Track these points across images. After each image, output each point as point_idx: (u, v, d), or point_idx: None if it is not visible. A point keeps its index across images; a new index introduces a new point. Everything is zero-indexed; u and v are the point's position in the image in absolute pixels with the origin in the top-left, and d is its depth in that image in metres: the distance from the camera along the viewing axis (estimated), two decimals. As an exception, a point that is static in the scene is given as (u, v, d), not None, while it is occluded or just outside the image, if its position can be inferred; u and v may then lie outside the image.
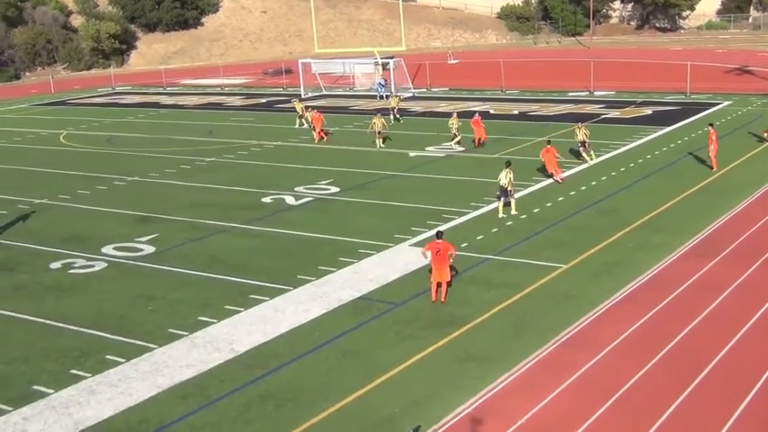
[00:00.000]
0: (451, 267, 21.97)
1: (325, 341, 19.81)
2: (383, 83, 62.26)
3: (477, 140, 40.93)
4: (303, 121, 48.98)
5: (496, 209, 29.13)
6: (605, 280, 22.57)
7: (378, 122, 42.46)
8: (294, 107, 50.96)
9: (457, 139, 41.09)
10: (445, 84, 66.52)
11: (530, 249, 25.40)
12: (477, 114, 42.72)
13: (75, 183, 37.90)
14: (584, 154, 36.35)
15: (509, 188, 28.91)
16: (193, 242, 28.13)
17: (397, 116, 49.08)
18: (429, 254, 21.67)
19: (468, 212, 29.57)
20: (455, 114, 42.08)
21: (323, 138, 44.61)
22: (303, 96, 63.69)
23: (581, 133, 36.25)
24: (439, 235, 21.95)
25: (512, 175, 29.04)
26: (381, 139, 42.57)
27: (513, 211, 29.03)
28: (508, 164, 29.40)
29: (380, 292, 22.55)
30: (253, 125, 50.86)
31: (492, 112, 51.88)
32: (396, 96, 52.73)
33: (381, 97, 60.92)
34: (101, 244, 28.18)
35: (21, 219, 32.31)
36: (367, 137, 44.59)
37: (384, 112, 47.91)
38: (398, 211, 30.40)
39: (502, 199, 29.02)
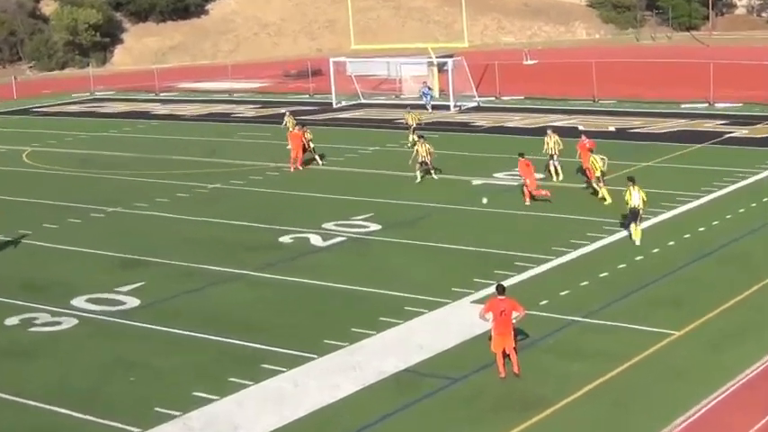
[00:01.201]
0: (517, 331, 21.71)
1: (358, 428, 19.58)
2: (427, 91, 62.01)
3: (590, 172, 36.79)
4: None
5: (628, 236, 30.31)
6: (731, 351, 22.12)
7: (422, 149, 40.54)
8: (286, 123, 49.47)
9: (555, 164, 39.69)
10: (519, 91, 66.46)
11: (630, 309, 25.01)
12: (583, 136, 39.12)
13: (40, 214, 38.15)
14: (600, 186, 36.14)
15: (640, 209, 29.99)
16: (189, 294, 28.08)
17: (415, 139, 45.99)
18: (491, 316, 21.41)
19: (550, 259, 29.28)
20: (550, 131, 40.34)
21: (298, 168, 44.11)
22: (336, 105, 63.90)
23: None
24: (500, 290, 21.65)
25: (643, 194, 30.00)
26: (426, 170, 40.95)
27: (636, 242, 30.02)
28: (632, 180, 30.32)
29: (433, 364, 22.27)
30: (269, 142, 51.00)
31: (581, 128, 51.45)
32: (411, 113, 51.44)
33: (431, 109, 60.80)
34: (70, 294, 28.20)
35: (-31, 260, 32.65)
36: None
37: (418, 129, 47.39)
38: (457, 257, 30.18)
39: (632, 224, 30.23)
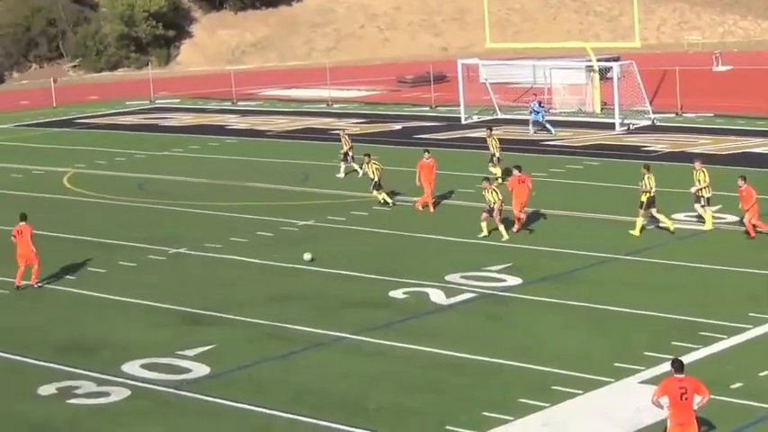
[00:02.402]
0: (699, 420, 21.48)
1: None
2: (537, 108, 61.42)
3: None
4: (354, 164, 50.52)
5: None
6: None
7: (492, 196, 39.21)
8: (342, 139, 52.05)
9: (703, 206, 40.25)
10: (707, 106, 65.89)
11: None
12: None
13: (85, 254, 38.96)
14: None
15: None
16: (272, 362, 28.40)
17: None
18: (666, 400, 21.25)
19: (747, 329, 29.00)
20: (698, 163, 40.73)
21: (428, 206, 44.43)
22: (465, 121, 64.06)
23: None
24: (679, 367, 21.46)
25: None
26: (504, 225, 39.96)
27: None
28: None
29: (589, 462, 22.21)
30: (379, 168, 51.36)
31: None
32: (493, 136, 50.26)
33: (547, 127, 60.96)
34: (121, 358, 28.71)
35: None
36: (567, 191, 44.54)
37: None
38: (622, 323, 30.06)
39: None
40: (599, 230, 39.75)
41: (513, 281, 34.15)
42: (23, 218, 36.13)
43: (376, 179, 44.16)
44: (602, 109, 64.86)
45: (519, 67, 74.10)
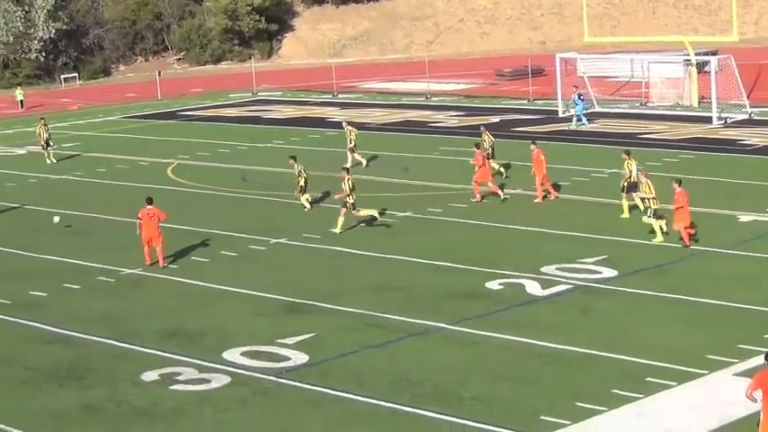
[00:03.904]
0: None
1: None
2: (577, 100, 61.13)
3: None
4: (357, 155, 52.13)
5: None
6: None
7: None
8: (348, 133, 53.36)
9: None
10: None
11: None
12: None
13: (188, 244, 39.42)
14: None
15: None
16: (371, 350, 28.56)
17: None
18: (760, 394, 21.06)
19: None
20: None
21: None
22: (562, 114, 63.79)
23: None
24: (771, 359, 21.35)
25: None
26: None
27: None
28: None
29: (682, 453, 22.11)
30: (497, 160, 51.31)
31: None
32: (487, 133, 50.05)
33: (582, 120, 61.14)
34: (222, 345, 29.04)
35: (97, 299, 33.90)
36: (667, 185, 44.12)
37: None
38: (717, 316, 29.87)
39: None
40: (697, 224, 39.44)
41: (609, 273, 34.04)
42: (150, 201, 36.86)
43: (301, 183, 44.31)
44: (699, 103, 64.39)
45: (617, 60, 73.74)
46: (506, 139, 56.66)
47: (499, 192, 43.98)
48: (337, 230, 39.87)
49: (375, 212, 40.73)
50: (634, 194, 38.85)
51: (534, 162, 43.65)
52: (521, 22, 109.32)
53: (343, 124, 54.68)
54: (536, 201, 43.50)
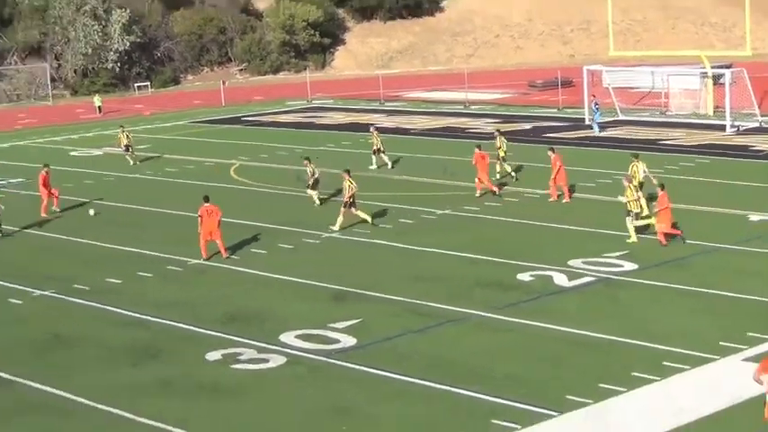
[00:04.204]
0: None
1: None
2: (594, 108, 61.49)
3: None
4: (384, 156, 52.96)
5: None
6: None
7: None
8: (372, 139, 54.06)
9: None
10: (812, 109, 64.82)
11: None
12: None
13: (248, 238, 39.66)
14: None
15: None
16: (412, 334, 28.64)
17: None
18: (767, 377, 21.03)
19: (841, 312, 28.58)
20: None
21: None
22: (588, 122, 63.66)
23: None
24: (778, 346, 21.34)
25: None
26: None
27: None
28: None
29: (695, 430, 22.10)
30: (509, 162, 51.34)
31: None
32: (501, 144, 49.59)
33: (598, 128, 61.28)
34: (279, 329, 29.22)
35: (167, 286, 34.22)
36: (680, 186, 44.09)
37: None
38: (728, 306, 29.75)
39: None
40: (708, 222, 39.35)
41: (630, 266, 33.99)
42: (207, 199, 37.23)
43: (311, 181, 45.22)
44: (714, 112, 64.15)
45: (639, 73, 73.46)
46: (537, 144, 56.69)
47: (495, 189, 45.18)
48: (336, 228, 39.97)
49: (369, 218, 40.66)
50: (619, 197, 38.30)
51: (553, 166, 43.70)
52: (551, 37, 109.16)
53: (371, 129, 54.98)
54: (550, 200, 43.53)
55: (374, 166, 52.09)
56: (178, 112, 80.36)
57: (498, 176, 47.82)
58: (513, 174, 48.52)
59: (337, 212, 40.32)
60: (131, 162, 56.81)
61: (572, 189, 44.08)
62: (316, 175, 45.16)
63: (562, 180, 43.61)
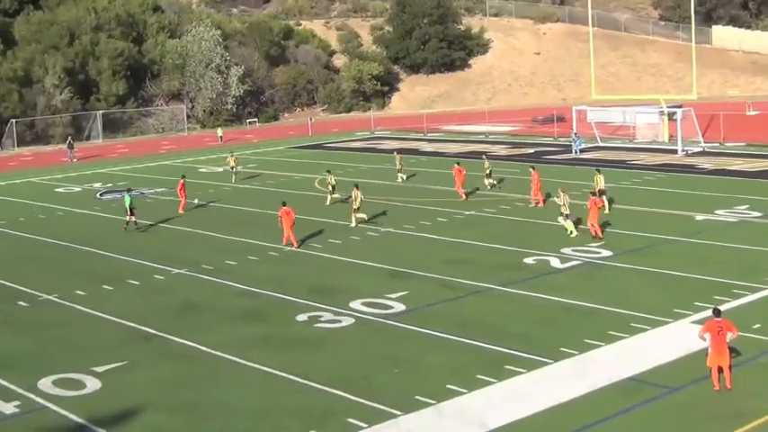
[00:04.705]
0: (731, 349, 21.01)
1: (586, 425, 19.40)
2: (574, 137, 61.47)
3: None
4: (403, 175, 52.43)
5: None
6: None
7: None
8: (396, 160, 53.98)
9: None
10: (742, 138, 63.96)
11: (838, 337, 23.73)
12: None
13: (327, 231, 39.66)
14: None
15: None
16: (446, 302, 28.56)
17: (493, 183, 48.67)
18: (708, 336, 20.81)
19: (764, 288, 28.15)
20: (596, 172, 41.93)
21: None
22: (575, 148, 63.17)
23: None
24: (717, 312, 21.11)
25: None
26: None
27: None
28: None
29: (655, 374, 21.86)
30: (517, 177, 51.05)
31: (797, 172, 49.34)
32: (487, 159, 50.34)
33: (576, 150, 60.93)
34: (349, 298, 29.21)
35: (269, 267, 34.28)
36: (647, 195, 43.70)
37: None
38: (680, 283, 29.45)
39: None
40: (665, 221, 38.94)
41: (606, 253, 33.70)
42: (284, 204, 37.42)
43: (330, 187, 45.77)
44: (669, 140, 63.49)
45: (613, 111, 72.76)
46: (539, 163, 56.26)
47: (463, 196, 45.40)
48: (353, 224, 40.26)
49: (365, 217, 40.87)
50: (555, 198, 38.11)
51: (533, 180, 43.47)
52: (549, 86, 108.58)
53: (395, 153, 55.14)
54: (530, 206, 43.10)
55: (399, 181, 52.12)
56: (278, 140, 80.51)
57: (489, 188, 48.08)
58: (497, 184, 48.66)
59: (350, 216, 40.67)
60: (233, 179, 56.17)
61: (546, 197, 43.64)
62: (333, 184, 46.10)
63: (538, 191, 43.28)
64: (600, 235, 35.71)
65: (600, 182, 40.99)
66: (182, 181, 46.83)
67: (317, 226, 40.54)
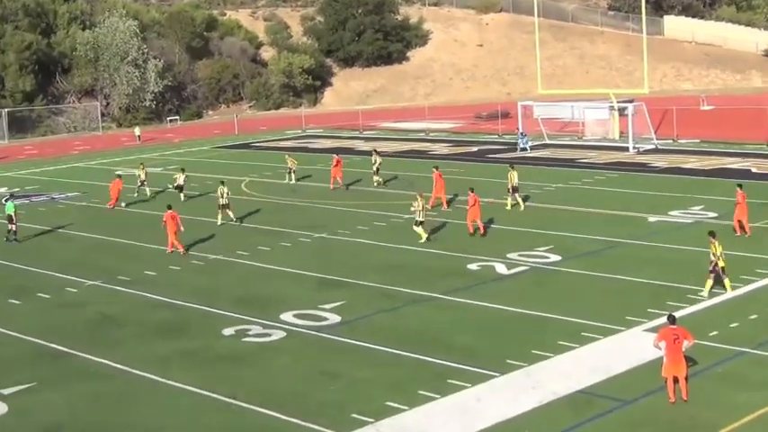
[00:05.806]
0: (687, 358, 21.23)
1: (535, 441, 19.45)
2: (521, 136, 62.71)
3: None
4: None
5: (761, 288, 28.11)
6: None
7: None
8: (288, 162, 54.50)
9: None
10: (696, 135, 64.93)
11: (799, 344, 24.10)
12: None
13: (256, 238, 39.36)
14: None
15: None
16: (385, 313, 28.48)
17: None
18: (663, 344, 20.98)
19: (722, 293, 28.50)
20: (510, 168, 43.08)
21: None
22: (522, 146, 63.69)
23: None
24: (672, 320, 21.30)
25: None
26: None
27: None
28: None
29: (606, 386, 21.98)
30: (460, 177, 51.18)
31: (754, 170, 50.11)
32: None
33: (526, 147, 61.92)
34: (279, 309, 28.99)
35: (191, 276, 33.90)
36: (594, 195, 44.07)
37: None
38: (633, 288, 29.70)
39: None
40: (617, 222, 39.33)
41: (555, 258, 33.90)
42: (170, 207, 37.86)
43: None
44: (620, 136, 64.22)
45: (561, 107, 73.32)
46: (483, 163, 56.69)
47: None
48: (218, 222, 41.72)
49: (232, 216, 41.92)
50: (411, 208, 37.93)
51: (436, 181, 44.00)
52: (493, 79, 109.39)
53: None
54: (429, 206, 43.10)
55: (375, 184, 51.47)
56: (201, 140, 79.93)
57: (375, 185, 50.35)
58: (383, 183, 50.79)
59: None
60: (148, 194, 51.84)
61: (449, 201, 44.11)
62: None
63: (442, 191, 43.92)
64: (482, 232, 37.38)
65: (513, 178, 42.29)
66: (118, 180, 48.70)
67: (246, 232, 40.26)
